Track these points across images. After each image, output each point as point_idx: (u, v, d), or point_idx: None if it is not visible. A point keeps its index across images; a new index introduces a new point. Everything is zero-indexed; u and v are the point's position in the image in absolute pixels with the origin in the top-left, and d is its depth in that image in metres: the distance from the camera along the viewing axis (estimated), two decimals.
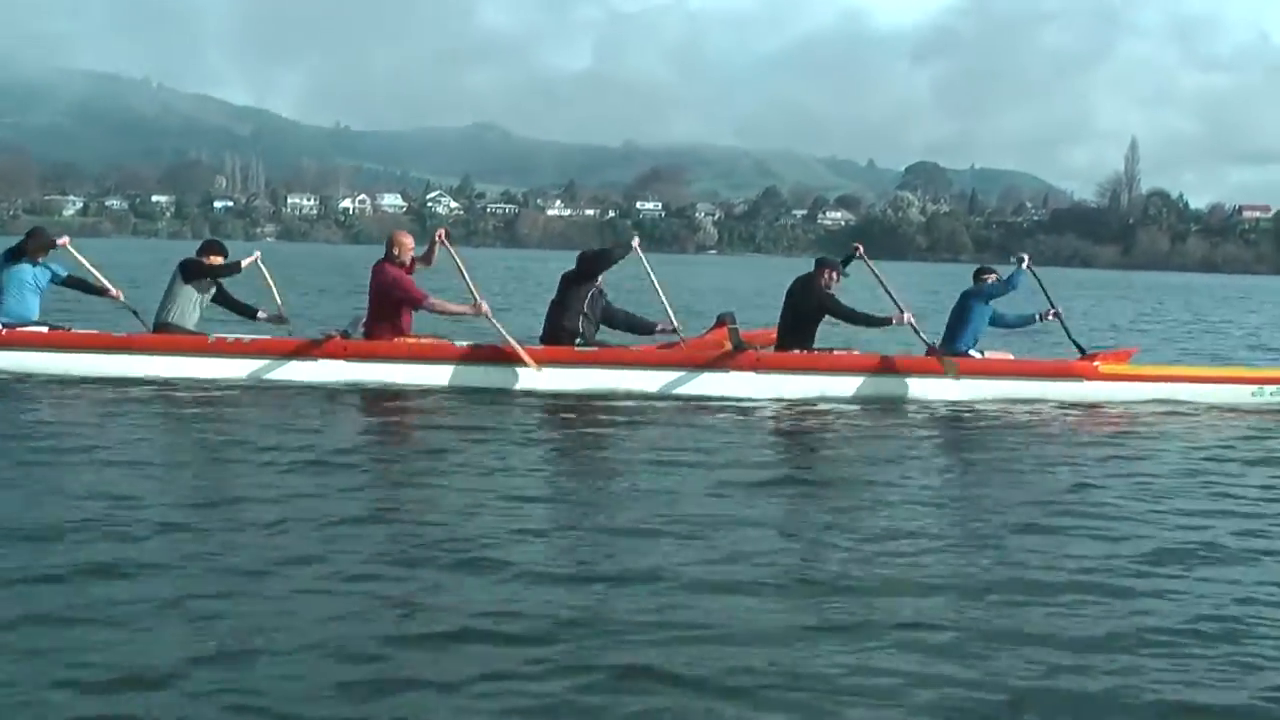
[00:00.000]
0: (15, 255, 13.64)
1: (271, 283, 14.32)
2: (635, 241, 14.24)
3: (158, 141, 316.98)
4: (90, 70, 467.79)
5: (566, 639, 5.27)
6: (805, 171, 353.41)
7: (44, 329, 13.52)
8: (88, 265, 14.15)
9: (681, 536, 7.07)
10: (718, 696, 4.73)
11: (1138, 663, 5.23)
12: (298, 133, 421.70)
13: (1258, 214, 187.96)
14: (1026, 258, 14.74)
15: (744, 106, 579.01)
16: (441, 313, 13.76)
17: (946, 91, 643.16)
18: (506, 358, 13.28)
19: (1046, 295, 14.80)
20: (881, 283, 14.08)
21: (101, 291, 14.12)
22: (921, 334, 13.97)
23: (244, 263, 13.78)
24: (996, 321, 14.56)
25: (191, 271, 13.62)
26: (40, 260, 13.73)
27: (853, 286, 14.64)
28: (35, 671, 4.74)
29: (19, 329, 13.36)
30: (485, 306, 13.39)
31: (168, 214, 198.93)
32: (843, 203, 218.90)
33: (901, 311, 13.77)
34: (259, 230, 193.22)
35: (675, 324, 13.84)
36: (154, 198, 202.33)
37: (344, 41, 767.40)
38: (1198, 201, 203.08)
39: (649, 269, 13.94)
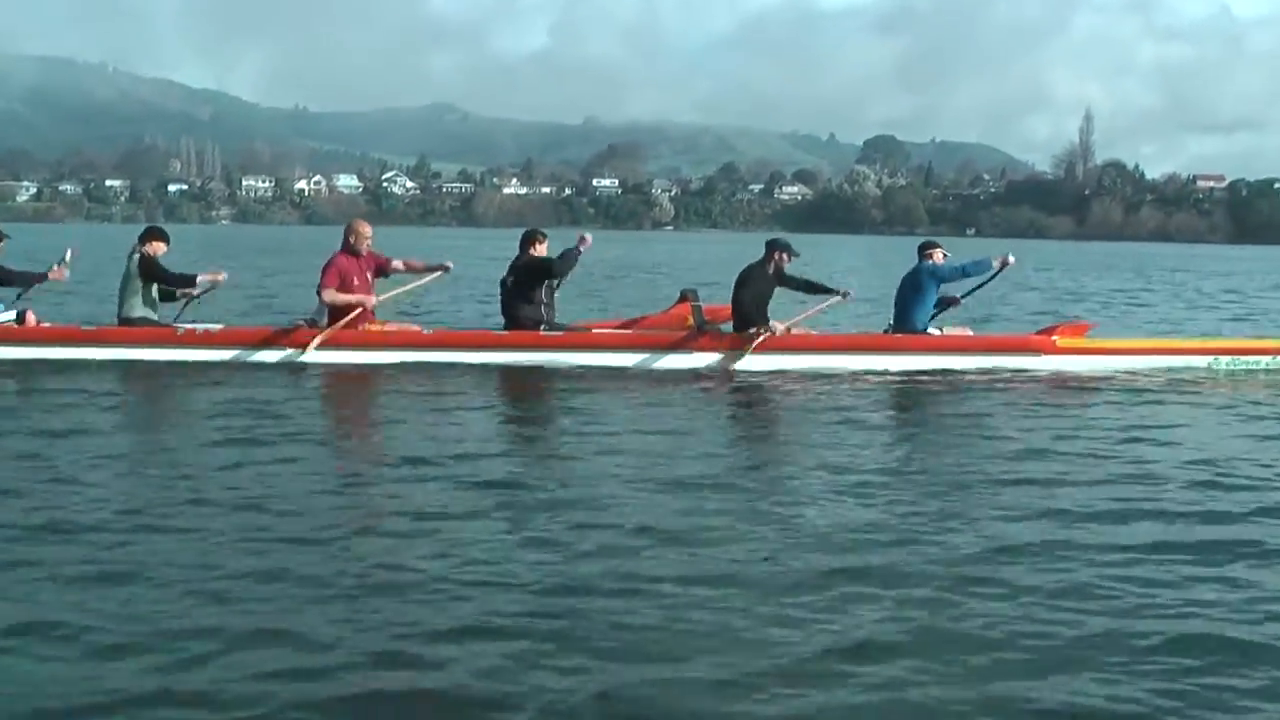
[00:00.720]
0: None
1: None
2: (585, 243, 14.24)
3: (114, 127, 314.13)
4: (45, 55, 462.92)
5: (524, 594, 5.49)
6: (766, 147, 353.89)
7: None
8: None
9: (648, 510, 7.26)
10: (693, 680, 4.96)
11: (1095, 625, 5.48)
12: (256, 115, 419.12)
13: (1212, 184, 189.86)
14: (1010, 258, 14.53)
15: (704, 82, 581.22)
16: (327, 303, 13.57)
17: (905, 65, 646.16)
18: (481, 343, 13.82)
19: (971, 289, 15.00)
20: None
21: (39, 278, 13.77)
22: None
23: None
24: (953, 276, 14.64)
25: (147, 270, 13.65)
26: None
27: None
28: None
29: None
30: (321, 329, 13.42)
31: (122, 198, 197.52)
32: (800, 177, 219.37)
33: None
34: (214, 213, 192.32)
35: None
36: (108, 182, 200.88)
37: (303, 24, 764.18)
38: (1156, 172, 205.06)
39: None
